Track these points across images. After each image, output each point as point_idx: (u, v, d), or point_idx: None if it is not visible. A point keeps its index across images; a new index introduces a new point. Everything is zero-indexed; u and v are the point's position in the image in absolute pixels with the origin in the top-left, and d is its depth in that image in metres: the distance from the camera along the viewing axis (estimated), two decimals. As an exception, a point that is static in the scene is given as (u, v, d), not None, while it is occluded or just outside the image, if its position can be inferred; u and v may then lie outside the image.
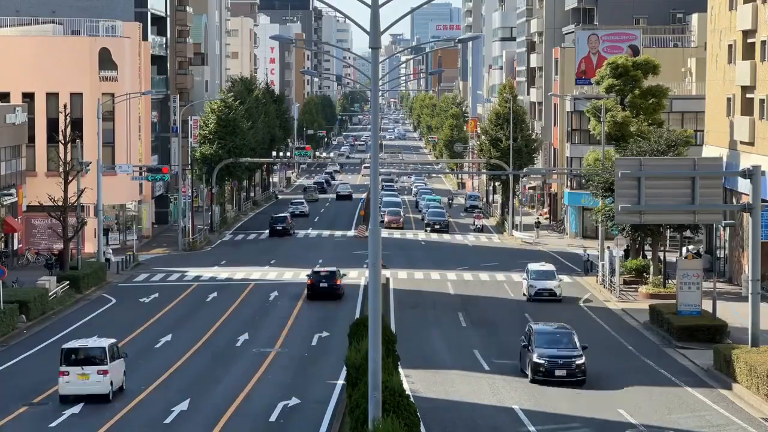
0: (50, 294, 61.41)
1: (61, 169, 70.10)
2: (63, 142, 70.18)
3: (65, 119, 72.52)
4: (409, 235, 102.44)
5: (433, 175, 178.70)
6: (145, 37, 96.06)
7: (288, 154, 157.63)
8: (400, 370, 36.87)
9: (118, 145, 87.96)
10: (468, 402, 40.63)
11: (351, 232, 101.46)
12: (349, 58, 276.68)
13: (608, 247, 70.01)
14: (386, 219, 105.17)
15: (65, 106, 75.73)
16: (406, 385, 37.93)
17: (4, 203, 77.66)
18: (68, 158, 70.01)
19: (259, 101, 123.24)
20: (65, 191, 68.16)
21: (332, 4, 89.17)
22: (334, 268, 66.67)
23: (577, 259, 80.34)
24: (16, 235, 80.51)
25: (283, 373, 45.27)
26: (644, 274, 68.48)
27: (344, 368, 36.93)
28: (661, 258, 67.33)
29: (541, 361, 42.83)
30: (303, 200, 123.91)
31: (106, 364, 40.03)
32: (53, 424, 37.57)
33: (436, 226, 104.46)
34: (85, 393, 39.95)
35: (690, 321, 51.96)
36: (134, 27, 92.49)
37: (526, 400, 40.87)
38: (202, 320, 57.70)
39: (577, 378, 42.64)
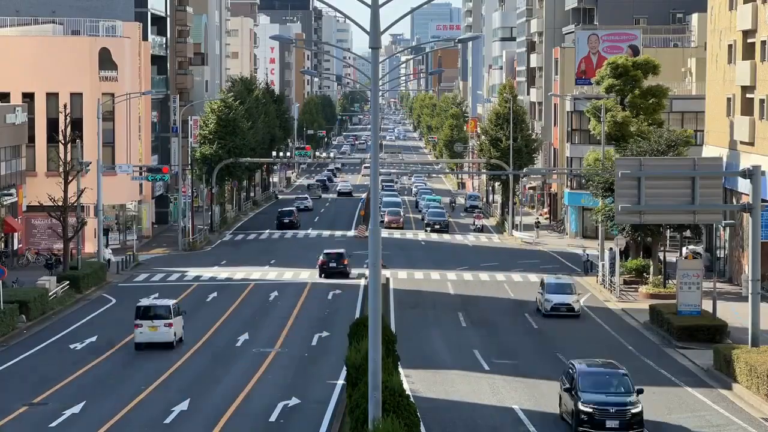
0: (50, 294, 61.41)
1: (61, 169, 70.10)
2: (63, 142, 70.19)
3: (65, 119, 72.52)
4: (409, 235, 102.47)
5: (433, 175, 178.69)
6: (145, 37, 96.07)
7: (288, 154, 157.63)
8: (400, 370, 36.87)
9: (118, 145, 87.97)
10: (468, 402, 40.63)
11: (351, 232, 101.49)
12: (349, 58, 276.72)
13: (610, 248, 69.96)
14: (386, 219, 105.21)
15: (65, 106, 75.74)
16: (406, 385, 37.93)
17: (4, 203, 77.66)
18: (68, 158, 70.01)
19: (259, 101, 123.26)
20: (65, 191, 68.16)
21: (332, 4, 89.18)
22: (342, 250, 75.78)
23: (577, 259, 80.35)
24: (16, 235, 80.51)
25: (283, 373, 45.27)
26: (644, 274, 68.48)
27: (344, 368, 36.93)
28: (661, 258, 67.34)
29: (588, 410, 35.30)
30: (307, 196, 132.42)
31: (171, 319, 49.82)
32: (53, 424, 37.57)
33: (436, 226, 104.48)
34: (155, 341, 49.43)
35: (690, 321, 51.96)
36: (134, 27, 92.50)
37: (526, 400, 40.86)
38: (202, 320, 57.69)
39: (633, 430, 35.33)
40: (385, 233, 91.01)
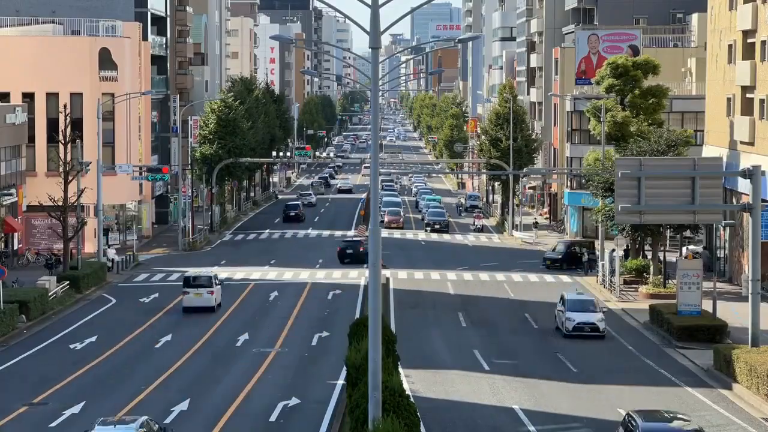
0: (50, 294, 61.42)
1: (61, 169, 70.10)
2: (63, 142, 70.18)
3: (65, 119, 72.52)
4: (409, 235, 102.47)
5: (433, 175, 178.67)
6: (145, 37, 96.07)
7: (288, 154, 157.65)
8: (400, 370, 36.87)
9: (118, 145, 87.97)
10: (468, 402, 40.63)
11: (351, 232, 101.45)
12: (349, 58, 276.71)
13: (613, 249, 69.94)
14: (386, 219, 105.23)
15: (65, 106, 75.74)
16: (406, 385, 37.93)
17: (4, 203, 77.66)
18: (68, 158, 70.00)
19: (259, 101, 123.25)
20: (65, 191, 68.15)
21: (332, 4, 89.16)
22: (359, 238, 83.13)
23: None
24: (16, 235, 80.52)
25: (283, 373, 45.27)
26: (644, 274, 68.48)
27: (344, 368, 36.93)
28: (661, 258, 67.34)
29: None
30: (311, 192, 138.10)
31: (212, 287, 59.72)
32: (53, 424, 37.58)
33: (436, 226, 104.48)
34: (199, 306, 59.24)
35: (690, 321, 51.96)
36: (134, 27, 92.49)
37: (526, 400, 40.86)
38: (202, 320, 57.68)
39: None
40: (385, 233, 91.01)
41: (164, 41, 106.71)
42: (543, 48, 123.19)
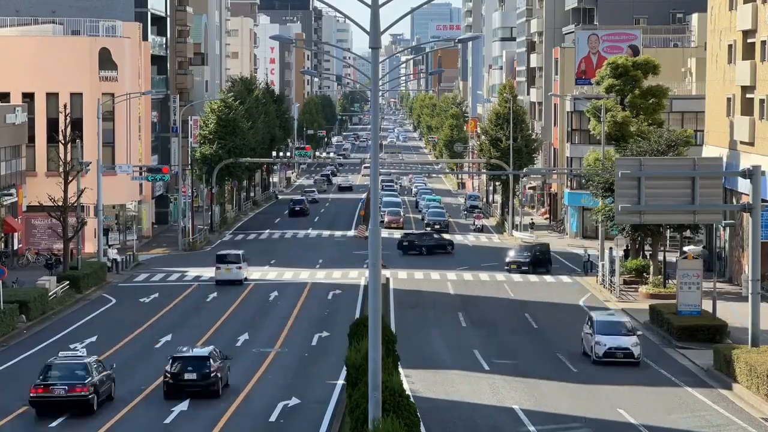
0: (50, 294, 61.41)
1: (61, 169, 70.10)
2: (63, 142, 70.18)
3: (65, 119, 72.51)
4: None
5: (433, 175, 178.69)
6: (145, 37, 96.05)
7: (288, 154, 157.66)
8: (400, 370, 36.87)
9: (118, 145, 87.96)
10: (468, 402, 40.64)
11: (351, 232, 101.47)
12: (349, 58, 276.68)
13: (610, 248, 69.97)
14: (386, 219, 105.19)
15: (65, 106, 75.73)
16: (406, 385, 37.93)
17: (4, 203, 77.66)
18: (68, 158, 70.00)
19: (259, 101, 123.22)
20: (65, 191, 68.15)
21: (332, 4, 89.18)
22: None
23: (577, 259, 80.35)
24: (16, 235, 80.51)
25: (283, 373, 45.27)
26: (644, 274, 68.48)
27: (344, 368, 36.94)
28: (661, 258, 67.34)
29: None
30: (314, 189, 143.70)
31: (240, 264, 69.92)
32: (53, 424, 37.56)
33: (436, 226, 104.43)
34: (229, 279, 69.18)
35: (690, 321, 51.95)
36: (134, 27, 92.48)
37: (526, 400, 40.87)
38: (202, 320, 57.70)
39: None
40: (385, 233, 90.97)
41: (164, 41, 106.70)
42: (543, 48, 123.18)
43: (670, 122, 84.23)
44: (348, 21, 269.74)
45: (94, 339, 52.76)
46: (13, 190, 79.48)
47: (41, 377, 38.39)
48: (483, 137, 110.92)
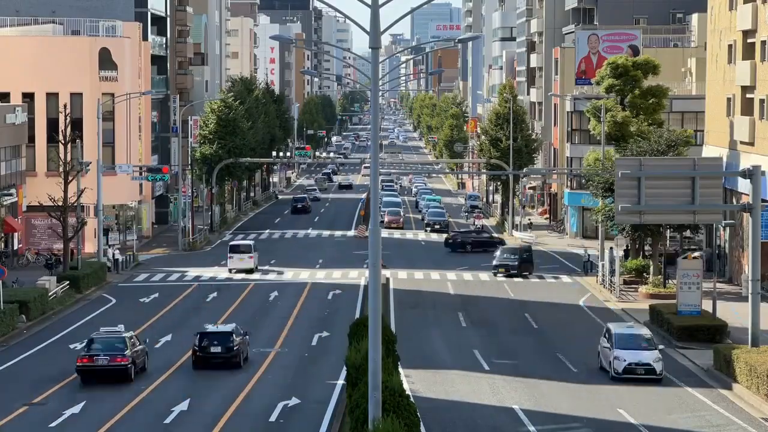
0: (50, 294, 61.41)
1: (61, 169, 70.10)
2: (63, 142, 70.18)
3: (65, 119, 72.51)
4: (409, 235, 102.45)
5: (433, 175, 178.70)
6: (145, 37, 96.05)
7: (288, 154, 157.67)
8: (400, 370, 36.87)
9: (118, 145, 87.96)
10: (468, 402, 40.63)
11: (351, 232, 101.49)
12: (349, 58, 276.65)
13: (611, 248, 69.96)
14: (386, 219, 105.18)
15: (65, 106, 75.73)
16: (406, 385, 37.92)
17: (4, 203, 77.66)
18: (68, 158, 70.00)
19: (259, 101, 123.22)
20: (65, 191, 68.15)
21: (332, 4, 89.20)
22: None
23: (577, 259, 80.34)
24: (16, 235, 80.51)
25: (283, 373, 45.27)
26: (644, 274, 68.47)
27: (344, 368, 36.94)
28: (661, 258, 67.34)
29: None
30: (316, 188, 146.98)
31: (251, 253, 75.76)
32: (53, 424, 37.58)
33: (436, 226, 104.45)
34: (241, 267, 74.95)
35: (690, 321, 51.95)
36: (134, 27, 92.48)
37: (526, 400, 40.87)
38: (202, 320, 57.64)
39: None
40: (385, 233, 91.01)
41: (164, 41, 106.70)
42: (543, 48, 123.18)
43: (670, 122, 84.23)
44: (348, 21, 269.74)
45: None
46: (13, 190, 79.48)
47: (86, 349, 43.39)
48: (483, 137, 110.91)
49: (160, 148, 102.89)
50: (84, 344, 44.38)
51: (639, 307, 61.00)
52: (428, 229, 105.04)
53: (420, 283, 71.71)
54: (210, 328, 46.92)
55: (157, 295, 66.21)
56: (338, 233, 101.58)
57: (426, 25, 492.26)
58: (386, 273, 68.26)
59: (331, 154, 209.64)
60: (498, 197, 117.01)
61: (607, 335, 45.65)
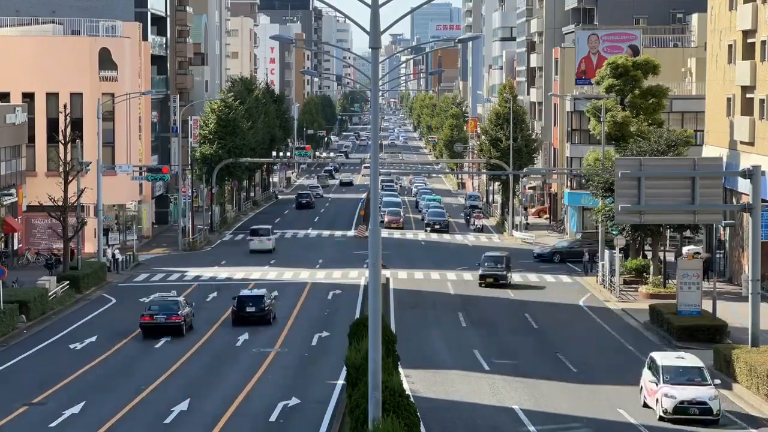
0: (50, 294, 61.41)
1: (61, 169, 70.10)
2: (63, 142, 70.18)
3: (65, 119, 72.51)
4: (409, 235, 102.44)
5: (433, 175, 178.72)
6: (145, 37, 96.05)
7: (288, 154, 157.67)
8: (400, 370, 36.87)
9: (118, 145, 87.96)
10: (468, 402, 40.64)
11: (351, 232, 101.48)
12: (349, 58, 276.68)
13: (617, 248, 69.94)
14: (386, 219, 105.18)
15: (65, 106, 75.73)
16: (406, 385, 37.93)
17: (4, 203, 77.67)
18: (68, 158, 70.00)
19: (259, 101, 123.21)
20: (65, 191, 68.15)
21: (332, 4, 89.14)
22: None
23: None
24: (16, 235, 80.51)
25: (283, 373, 45.28)
26: (644, 274, 68.48)
27: (344, 368, 36.94)
28: (661, 258, 67.33)
29: None
30: (318, 185, 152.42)
31: (270, 236, 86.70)
32: (53, 424, 37.59)
33: (436, 226, 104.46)
34: (261, 249, 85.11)
35: (690, 321, 51.97)
36: (134, 27, 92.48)
37: (526, 400, 40.87)
38: (202, 320, 57.67)
39: None
40: (385, 233, 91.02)
41: (164, 41, 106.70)
42: (543, 48, 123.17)
43: (670, 122, 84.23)
44: (348, 21, 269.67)
45: (94, 339, 52.75)
46: (13, 190, 79.49)
47: (147, 310, 53.13)
48: (483, 137, 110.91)
49: (160, 148, 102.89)
50: (146, 305, 54.27)
51: (639, 307, 61.02)
52: (428, 229, 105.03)
53: (420, 283, 71.71)
54: (245, 292, 57.10)
55: (157, 295, 66.12)
56: (338, 233, 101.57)
57: (426, 25, 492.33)
58: (386, 273, 68.26)
59: (332, 154, 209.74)
60: (498, 197, 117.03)
61: (651, 367, 39.62)
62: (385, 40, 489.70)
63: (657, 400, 38.29)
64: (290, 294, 66.63)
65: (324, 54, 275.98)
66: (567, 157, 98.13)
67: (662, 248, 68.24)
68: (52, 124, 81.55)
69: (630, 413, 38.82)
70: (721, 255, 72.04)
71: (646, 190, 48.38)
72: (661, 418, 38.03)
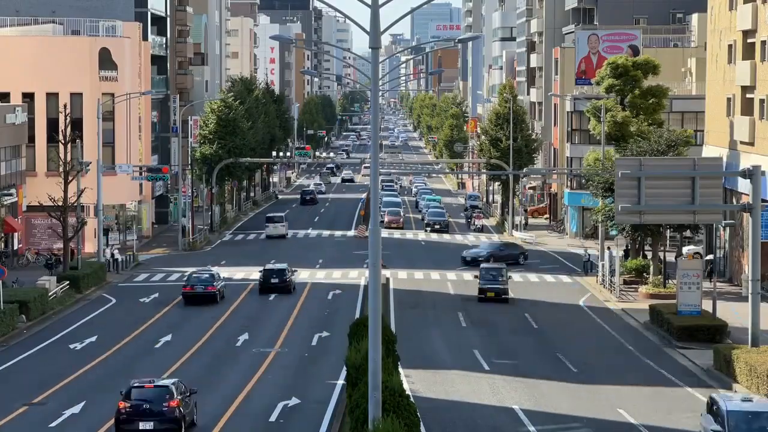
0: (50, 294, 61.40)
1: (61, 169, 70.09)
2: (63, 142, 70.17)
3: (65, 119, 72.50)
4: (409, 235, 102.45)
5: (433, 175, 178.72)
6: (145, 37, 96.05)
7: (288, 154, 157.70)
8: (400, 370, 36.86)
9: (118, 145, 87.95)
10: (468, 402, 40.63)
11: (351, 232, 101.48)
12: (349, 58, 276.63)
13: (608, 248, 69.99)
14: (386, 219, 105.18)
15: (65, 106, 75.71)
16: (406, 385, 37.92)
17: (4, 203, 77.66)
18: (68, 158, 69.99)
19: (259, 101, 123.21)
20: (65, 191, 68.14)
21: (332, 4, 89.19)
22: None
23: (577, 259, 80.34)
24: (16, 235, 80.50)
25: (283, 373, 45.27)
26: (644, 274, 68.47)
27: (344, 368, 36.93)
28: (661, 258, 67.33)
29: None
30: (321, 182, 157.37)
31: (284, 222, 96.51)
32: (53, 424, 37.58)
33: (436, 226, 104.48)
34: (276, 234, 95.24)
35: (690, 321, 51.96)
36: (134, 27, 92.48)
37: (526, 400, 40.86)
38: (202, 320, 57.69)
39: None
40: (385, 233, 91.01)
41: (164, 41, 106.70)
42: (543, 48, 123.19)
43: (670, 122, 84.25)
44: (348, 21, 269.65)
45: (94, 339, 52.73)
46: (13, 190, 79.48)
47: (186, 280, 63.31)
48: (483, 137, 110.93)
49: (160, 148, 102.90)
50: (186, 279, 64.04)
51: (639, 307, 61.02)
52: (428, 229, 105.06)
53: (420, 283, 71.70)
54: (269, 266, 67.42)
55: (157, 295, 66.19)
56: (338, 233, 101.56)
57: (426, 25, 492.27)
58: (386, 273, 68.26)
59: (332, 154, 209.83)
60: (498, 197, 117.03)
61: (714, 413, 32.88)
62: (385, 40, 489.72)
63: None
64: (290, 294, 66.63)
65: (324, 54, 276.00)
66: (567, 157, 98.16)
67: (662, 248, 68.26)
68: (52, 124, 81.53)
69: (630, 413, 38.82)
70: (721, 255, 72.02)
71: (646, 190, 48.38)
72: None
